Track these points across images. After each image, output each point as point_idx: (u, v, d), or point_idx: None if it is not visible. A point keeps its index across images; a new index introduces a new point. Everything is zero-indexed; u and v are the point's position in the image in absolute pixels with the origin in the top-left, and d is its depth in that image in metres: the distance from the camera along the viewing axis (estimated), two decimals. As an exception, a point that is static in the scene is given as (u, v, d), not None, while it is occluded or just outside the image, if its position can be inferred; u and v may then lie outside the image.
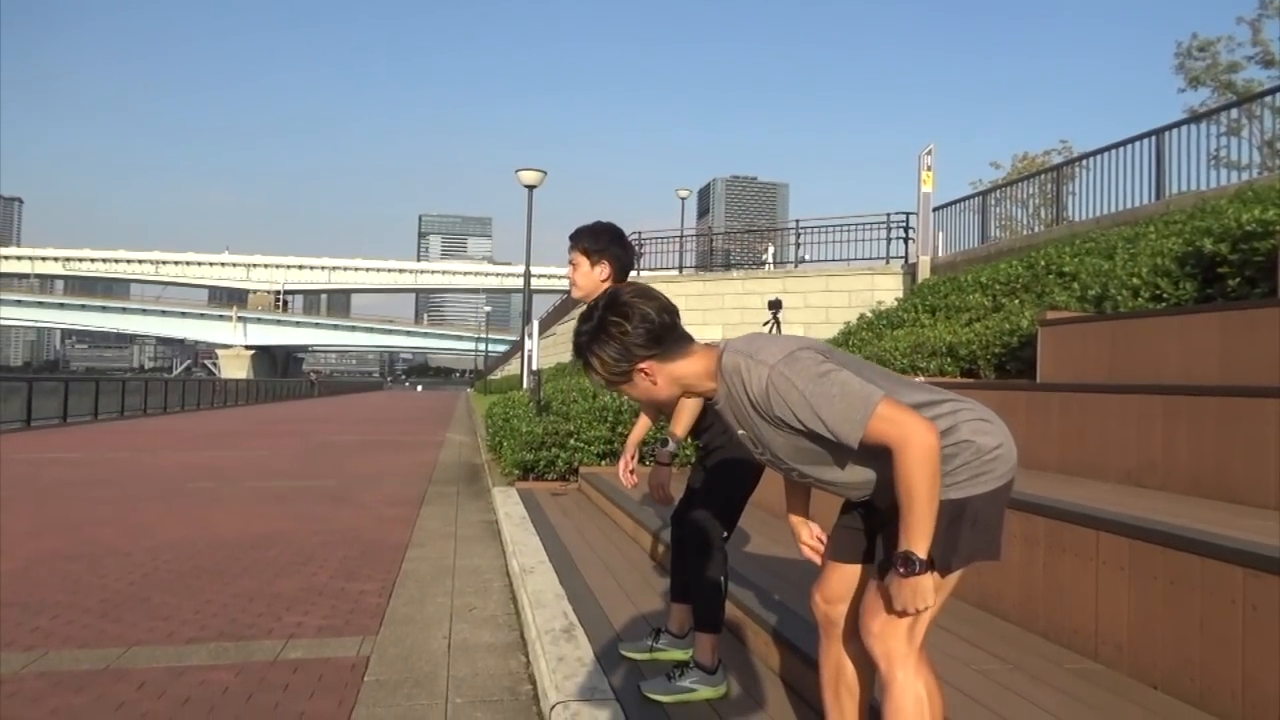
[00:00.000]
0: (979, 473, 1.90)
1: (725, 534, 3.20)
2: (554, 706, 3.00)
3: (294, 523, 7.31)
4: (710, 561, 3.15)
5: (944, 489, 1.88)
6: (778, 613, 3.56)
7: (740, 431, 2.01)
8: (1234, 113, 16.44)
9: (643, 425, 3.58)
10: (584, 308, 2.11)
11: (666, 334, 1.97)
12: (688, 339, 2.02)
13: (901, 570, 1.83)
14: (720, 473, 3.22)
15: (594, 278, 3.27)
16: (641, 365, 1.96)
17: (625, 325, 1.94)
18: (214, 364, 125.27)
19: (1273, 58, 25.06)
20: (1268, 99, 14.27)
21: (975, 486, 1.90)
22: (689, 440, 3.36)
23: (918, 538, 1.81)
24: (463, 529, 7.24)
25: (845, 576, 2.14)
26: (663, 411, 2.11)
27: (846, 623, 2.15)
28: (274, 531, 6.86)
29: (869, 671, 2.14)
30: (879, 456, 1.85)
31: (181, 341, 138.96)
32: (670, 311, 2.01)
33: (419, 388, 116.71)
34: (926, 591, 1.85)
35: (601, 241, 3.28)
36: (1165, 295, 6.47)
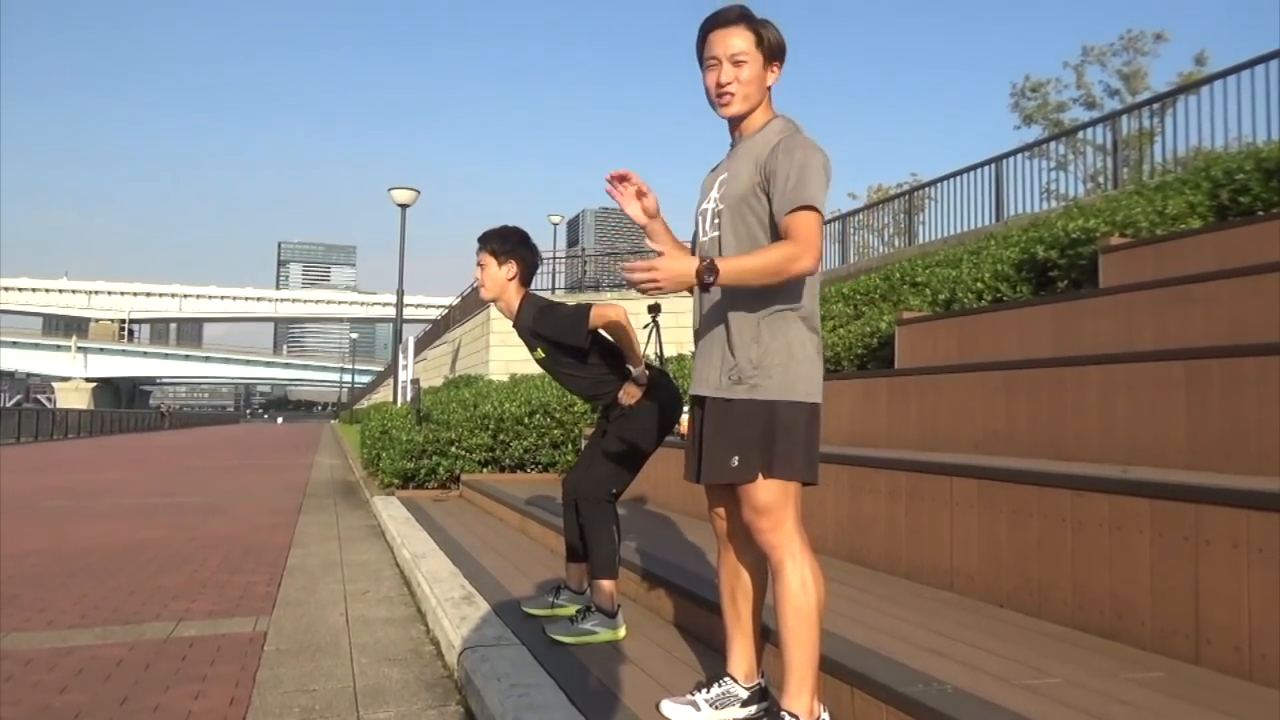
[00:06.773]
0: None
1: (614, 490, 3.42)
2: (462, 653, 3.14)
3: (165, 531, 7.08)
4: (600, 513, 3.37)
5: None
6: (670, 571, 3.80)
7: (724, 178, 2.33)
8: (1062, 148, 18.05)
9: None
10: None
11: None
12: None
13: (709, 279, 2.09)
14: (619, 438, 3.44)
15: (501, 278, 3.48)
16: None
17: None
18: (49, 398, 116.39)
19: (1094, 99, 27.53)
20: (1092, 138, 15.75)
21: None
22: (595, 409, 3.59)
23: (734, 274, 2.09)
24: (345, 532, 7.19)
25: (724, 491, 2.40)
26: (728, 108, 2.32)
27: (737, 539, 2.41)
28: (145, 539, 6.64)
29: (761, 579, 2.41)
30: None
31: (11, 375, 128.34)
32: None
33: (279, 420, 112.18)
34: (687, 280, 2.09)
35: (509, 243, 3.50)
36: (1005, 297, 7.13)
